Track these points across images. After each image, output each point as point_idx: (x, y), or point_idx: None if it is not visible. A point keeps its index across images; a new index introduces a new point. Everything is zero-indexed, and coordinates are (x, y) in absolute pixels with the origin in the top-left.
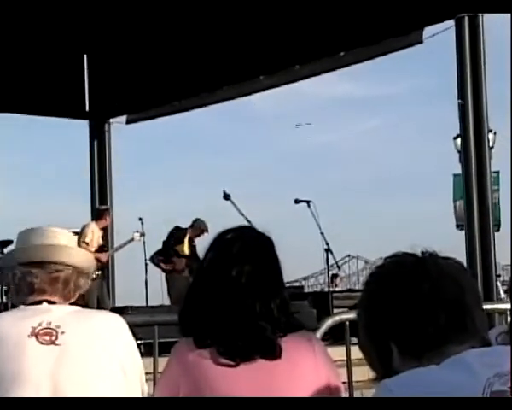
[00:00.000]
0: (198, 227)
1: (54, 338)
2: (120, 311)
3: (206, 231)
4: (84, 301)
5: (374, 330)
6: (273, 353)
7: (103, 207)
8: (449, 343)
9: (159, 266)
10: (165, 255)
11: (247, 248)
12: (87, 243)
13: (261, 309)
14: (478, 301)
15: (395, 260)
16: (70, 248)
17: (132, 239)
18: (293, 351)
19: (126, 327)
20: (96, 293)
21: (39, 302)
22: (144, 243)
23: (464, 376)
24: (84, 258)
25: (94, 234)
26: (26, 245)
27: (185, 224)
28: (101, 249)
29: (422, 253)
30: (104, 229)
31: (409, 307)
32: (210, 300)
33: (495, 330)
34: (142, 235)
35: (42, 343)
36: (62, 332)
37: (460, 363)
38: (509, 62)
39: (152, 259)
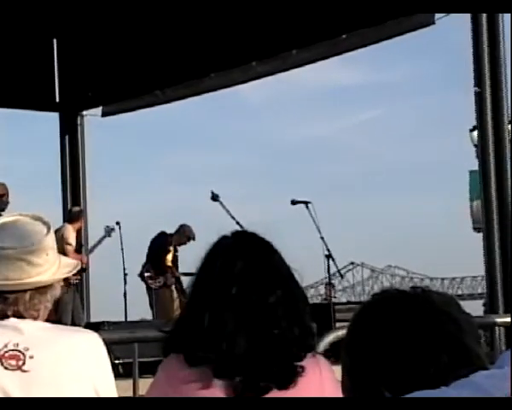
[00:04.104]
0: (183, 234)
1: (21, 363)
2: (96, 327)
3: (193, 238)
4: (56, 316)
5: (362, 374)
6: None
7: (77, 208)
8: (455, 380)
9: (147, 284)
10: (154, 269)
11: (233, 254)
12: (70, 244)
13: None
14: (477, 339)
15: (385, 296)
16: (34, 265)
17: (104, 237)
18: None
19: (104, 349)
20: (71, 306)
21: (5, 316)
22: (122, 249)
23: (474, 395)
24: (53, 272)
25: (69, 237)
26: None
27: (168, 228)
28: (77, 251)
29: (413, 288)
30: (78, 232)
31: (404, 347)
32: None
33: None
34: (111, 230)
35: (7, 369)
36: (31, 356)
37: (469, 384)
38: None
39: (141, 275)
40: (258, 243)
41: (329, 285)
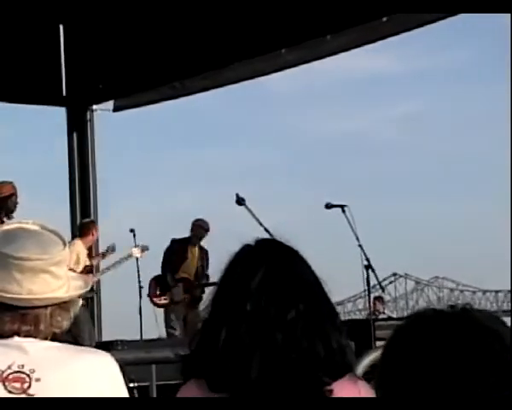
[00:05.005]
0: (198, 229)
1: (26, 386)
2: (108, 346)
3: (208, 229)
4: (71, 336)
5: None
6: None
7: (87, 219)
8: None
9: (153, 303)
10: (159, 285)
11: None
12: (71, 270)
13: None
14: None
15: (420, 317)
16: (58, 278)
17: (130, 255)
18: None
19: (118, 371)
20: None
21: (9, 335)
22: (137, 259)
23: None
24: (70, 288)
25: (80, 255)
26: (7, 291)
27: (187, 233)
28: (87, 271)
29: (452, 307)
30: (89, 248)
31: (444, 372)
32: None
33: None
34: (145, 249)
35: (10, 392)
36: (37, 379)
37: None
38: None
39: (148, 295)
40: (281, 250)
41: (376, 299)
